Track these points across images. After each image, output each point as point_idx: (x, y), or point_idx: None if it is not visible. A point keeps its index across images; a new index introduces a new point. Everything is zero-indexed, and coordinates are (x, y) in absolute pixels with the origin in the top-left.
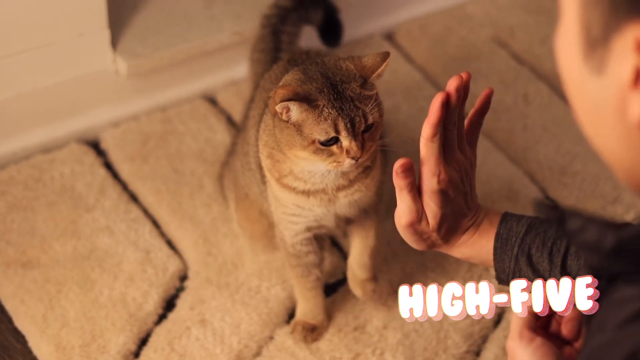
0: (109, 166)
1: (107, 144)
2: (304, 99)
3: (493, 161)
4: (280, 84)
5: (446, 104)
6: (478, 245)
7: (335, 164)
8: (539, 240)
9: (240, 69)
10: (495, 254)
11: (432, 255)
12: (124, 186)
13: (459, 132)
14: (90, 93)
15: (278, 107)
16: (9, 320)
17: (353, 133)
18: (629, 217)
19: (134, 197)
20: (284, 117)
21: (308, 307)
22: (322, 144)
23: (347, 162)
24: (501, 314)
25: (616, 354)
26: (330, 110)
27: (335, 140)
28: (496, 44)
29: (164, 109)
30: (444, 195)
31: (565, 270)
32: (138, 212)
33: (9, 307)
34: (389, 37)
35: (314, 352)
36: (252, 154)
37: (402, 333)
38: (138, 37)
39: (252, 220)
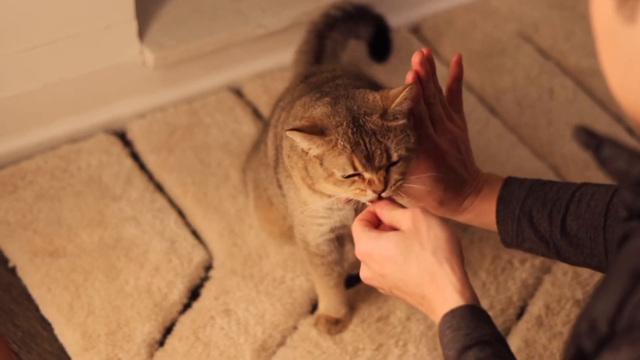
0: (135, 157)
1: (133, 134)
2: (314, 132)
3: (518, 156)
4: (306, 115)
5: (419, 80)
6: (480, 209)
7: (357, 191)
8: (540, 202)
9: (265, 62)
10: (497, 216)
11: None
12: (150, 177)
13: (442, 104)
14: (117, 84)
15: (289, 134)
16: (36, 309)
17: (372, 167)
18: None
19: (159, 188)
20: (305, 149)
21: (331, 303)
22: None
23: (370, 195)
24: (524, 306)
25: None
26: (345, 144)
27: (356, 174)
28: (521, 39)
29: (190, 100)
30: (443, 163)
31: (565, 230)
32: (164, 202)
33: (36, 296)
34: (415, 30)
35: (337, 343)
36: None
37: (425, 324)
38: (165, 29)
39: (271, 221)
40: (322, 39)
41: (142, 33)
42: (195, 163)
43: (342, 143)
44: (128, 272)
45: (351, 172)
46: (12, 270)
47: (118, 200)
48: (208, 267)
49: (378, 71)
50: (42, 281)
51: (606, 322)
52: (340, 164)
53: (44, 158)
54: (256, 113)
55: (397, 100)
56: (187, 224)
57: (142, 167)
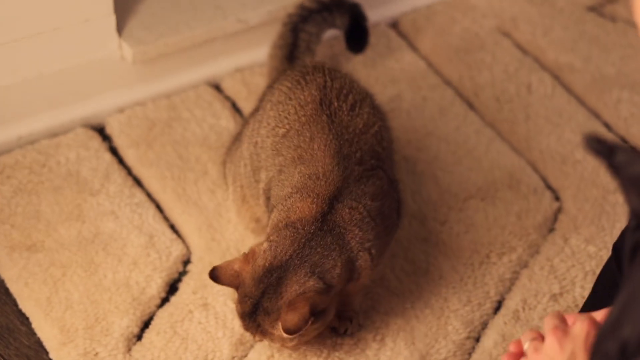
0: (114, 151)
1: (112, 129)
2: (229, 284)
3: (496, 150)
4: (248, 252)
5: None
6: None
7: None
8: None
9: (245, 57)
10: None
11: (435, 239)
12: (129, 171)
13: None
14: (96, 79)
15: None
16: (14, 303)
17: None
18: None
19: (138, 182)
20: None
21: None
22: None
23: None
24: (501, 301)
25: None
26: (237, 308)
27: None
28: (500, 34)
29: (169, 95)
30: None
31: None
32: (142, 197)
33: (14, 290)
34: (394, 25)
35: (316, 337)
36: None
37: (403, 319)
38: (144, 23)
39: (247, 216)
40: (297, 32)
41: (120, 27)
42: (174, 158)
43: (239, 307)
44: (106, 267)
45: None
46: None
47: (96, 195)
48: (186, 262)
49: (356, 67)
50: (20, 275)
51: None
52: (236, 311)
53: (23, 152)
54: (235, 107)
55: (287, 327)
56: (166, 219)
57: (120, 161)
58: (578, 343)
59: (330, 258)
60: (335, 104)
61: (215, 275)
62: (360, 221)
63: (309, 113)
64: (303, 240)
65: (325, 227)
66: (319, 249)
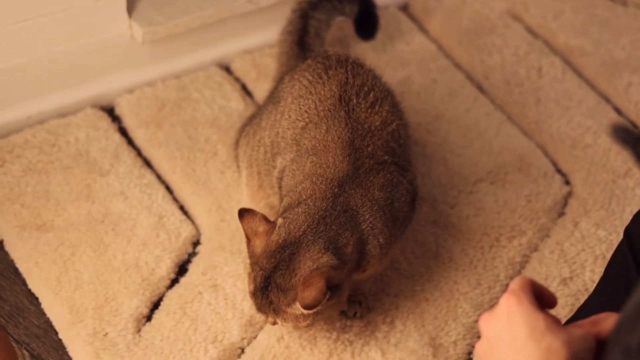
0: (123, 132)
1: (122, 109)
2: (248, 237)
3: (506, 133)
4: (272, 223)
5: None
6: None
7: None
8: None
9: (255, 38)
10: None
11: (445, 222)
12: (138, 152)
13: None
14: (106, 59)
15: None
16: (23, 282)
17: (261, 314)
18: None
19: (147, 163)
20: None
21: None
22: None
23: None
24: None
25: None
26: (250, 283)
27: None
28: (510, 17)
29: (178, 75)
30: None
31: None
32: (152, 178)
33: (23, 270)
34: (404, 8)
35: (325, 319)
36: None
37: (412, 301)
38: (154, 4)
39: (262, 205)
40: (306, 18)
41: (130, 8)
42: (183, 138)
43: (249, 280)
44: (116, 247)
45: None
46: (0, 244)
47: (106, 175)
48: (196, 243)
49: (366, 49)
50: (30, 255)
51: None
52: (247, 282)
53: (32, 132)
54: (245, 89)
55: (304, 302)
56: (175, 199)
57: (130, 142)
58: (503, 317)
59: (343, 236)
60: (355, 100)
61: (244, 216)
62: (369, 208)
63: (328, 108)
64: (317, 216)
65: (338, 207)
66: (333, 227)
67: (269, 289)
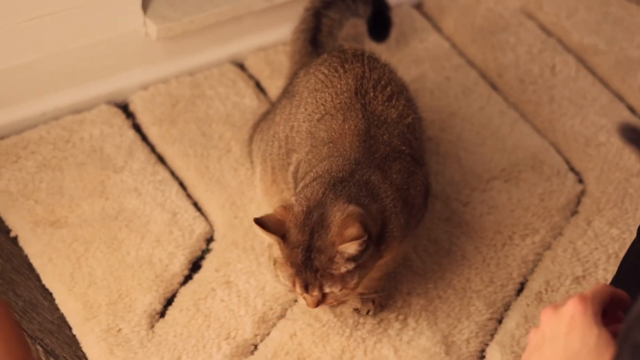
0: (137, 128)
1: (136, 106)
2: (275, 232)
3: (519, 132)
4: (285, 205)
5: None
6: None
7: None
8: None
9: (269, 35)
10: None
11: (458, 220)
12: (152, 148)
13: None
14: (121, 55)
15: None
16: (37, 278)
17: (307, 292)
18: None
19: (161, 160)
20: None
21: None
22: None
23: (303, 303)
24: (524, 282)
25: None
26: (291, 267)
27: None
28: (524, 15)
29: (192, 72)
30: None
31: None
32: (165, 174)
33: (37, 265)
34: (418, 6)
35: (337, 316)
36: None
37: (425, 299)
38: (168, 0)
39: (276, 200)
40: (319, 17)
41: (145, 4)
42: (197, 135)
43: (289, 263)
44: (129, 243)
45: (291, 285)
46: (14, 240)
47: (120, 172)
48: (209, 239)
49: (380, 47)
50: (44, 251)
51: None
52: (285, 272)
53: (47, 128)
54: (258, 86)
55: (346, 244)
56: (189, 196)
57: (144, 138)
58: (564, 321)
59: (365, 199)
60: (371, 93)
61: (262, 222)
62: (390, 186)
63: (344, 101)
64: (333, 181)
65: (356, 177)
66: (353, 189)
67: (312, 257)
